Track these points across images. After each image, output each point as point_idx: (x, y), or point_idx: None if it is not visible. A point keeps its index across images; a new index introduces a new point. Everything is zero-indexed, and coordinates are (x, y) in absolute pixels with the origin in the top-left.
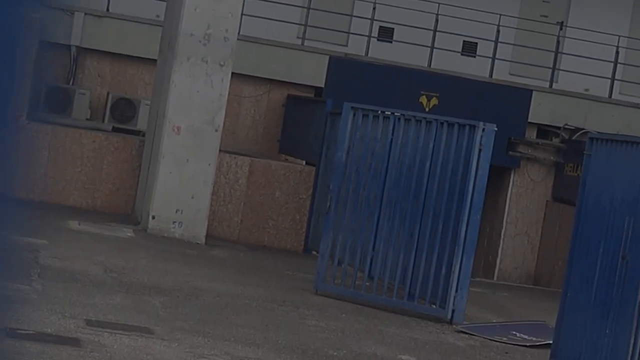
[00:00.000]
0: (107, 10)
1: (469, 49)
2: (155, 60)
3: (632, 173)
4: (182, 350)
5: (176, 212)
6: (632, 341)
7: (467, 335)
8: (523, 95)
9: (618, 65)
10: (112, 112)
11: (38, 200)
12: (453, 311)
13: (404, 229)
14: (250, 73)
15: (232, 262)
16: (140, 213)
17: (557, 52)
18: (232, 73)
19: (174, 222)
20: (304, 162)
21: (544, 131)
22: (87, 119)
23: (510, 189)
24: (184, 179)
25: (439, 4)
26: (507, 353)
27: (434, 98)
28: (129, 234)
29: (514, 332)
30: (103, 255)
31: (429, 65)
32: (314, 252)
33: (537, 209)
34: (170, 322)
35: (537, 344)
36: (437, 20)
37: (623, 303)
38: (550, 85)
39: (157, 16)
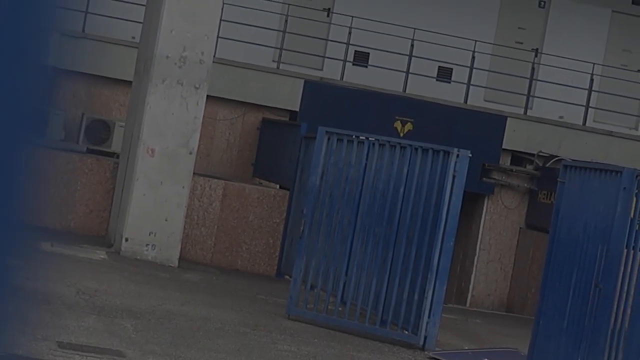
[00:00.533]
0: (83, 30)
1: (444, 74)
2: (130, 82)
3: (605, 201)
4: None
5: (149, 234)
6: None
7: None
8: (498, 122)
9: (592, 92)
10: (87, 134)
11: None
12: (425, 337)
13: (377, 254)
14: (226, 96)
15: (205, 285)
16: (114, 235)
17: (531, 79)
18: (207, 96)
19: (147, 244)
20: (278, 186)
21: (518, 158)
22: (61, 140)
23: (483, 215)
24: (158, 202)
25: (415, 29)
26: None
27: (409, 123)
28: (102, 256)
29: None
30: (75, 277)
31: (404, 90)
32: (287, 277)
33: (511, 236)
34: (142, 345)
35: None
36: (412, 46)
37: (595, 332)
38: (525, 112)
39: (133, 38)
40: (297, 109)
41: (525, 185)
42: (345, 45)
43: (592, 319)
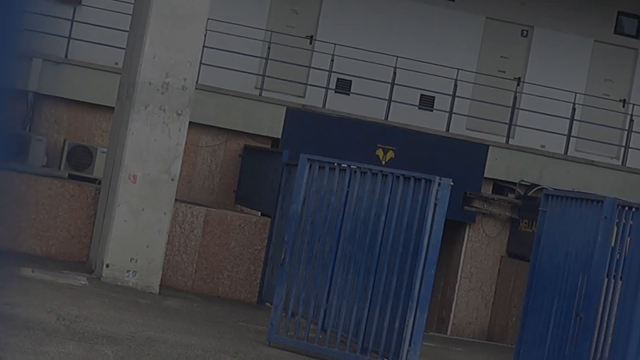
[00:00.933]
0: (66, 56)
1: (427, 102)
2: (112, 108)
3: (586, 230)
4: None
5: (130, 260)
6: None
7: None
8: (479, 150)
9: (574, 122)
10: (69, 159)
11: None
12: None
13: (358, 281)
14: (208, 123)
15: (186, 312)
16: (95, 261)
17: (513, 108)
18: (190, 122)
19: (128, 270)
20: (259, 213)
21: (499, 186)
22: (43, 166)
23: (465, 243)
24: (139, 228)
25: (397, 57)
26: None
27: (391, 151)
28: (83, 282)
29: None
30: (56, 303)
31: (386, 118)
32: (268, 304)
33: (492, 265)
34: None
35: None
36: (394, 74)
37: None
38: (507, 141)
39: (116, 63)
40: (279, 136)
41: (507, 213)
42: (327, 72)
43: (572, 347)
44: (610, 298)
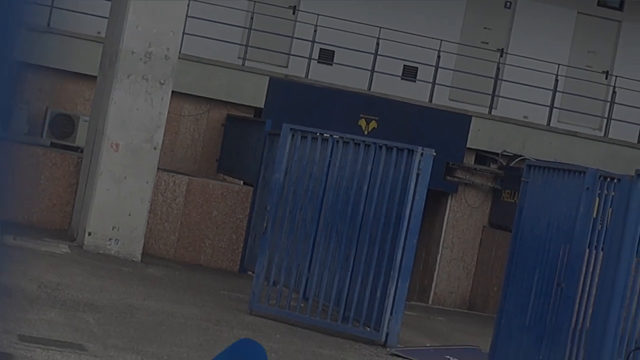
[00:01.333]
0: (48, 25)
1: (409, 73)
2: (95, 77)
3: (568, 201)
4: None
5: (112, 229)
6: None
7: (400, 359)
8: (462, 121)
9: (557, 93)
10: (51, 128)
11: None
12: (387, 334)
13: (339, 251)
14: (191, 92)
15: (168, 280)
16: (77, 229)
17: (496, 79)
18: (172, 91)
19: (110, 239)
20: (241, 182)
21: (482, 157)
22: (25, 134)
23: (447, 213)
24: (121, 196)
25: (380, 28)
26: None
27: (373, 121)
28: (65, 250)
29: (448, 357)
30: (38, 271)
31: (369, 88)
32: (250, 272)
33: (474, 235)
34: (104, 339)
35: None
36: (377, 44)
37: (557, 330)
38: (490, 112)
39: (99, 33)
40: (262, 106)
41: (489, 184)
42: (310, 43)
43: (553, 317)
44: (591, 269)
